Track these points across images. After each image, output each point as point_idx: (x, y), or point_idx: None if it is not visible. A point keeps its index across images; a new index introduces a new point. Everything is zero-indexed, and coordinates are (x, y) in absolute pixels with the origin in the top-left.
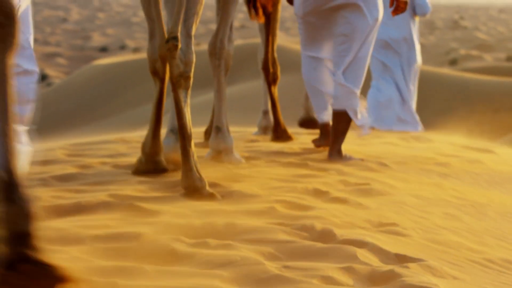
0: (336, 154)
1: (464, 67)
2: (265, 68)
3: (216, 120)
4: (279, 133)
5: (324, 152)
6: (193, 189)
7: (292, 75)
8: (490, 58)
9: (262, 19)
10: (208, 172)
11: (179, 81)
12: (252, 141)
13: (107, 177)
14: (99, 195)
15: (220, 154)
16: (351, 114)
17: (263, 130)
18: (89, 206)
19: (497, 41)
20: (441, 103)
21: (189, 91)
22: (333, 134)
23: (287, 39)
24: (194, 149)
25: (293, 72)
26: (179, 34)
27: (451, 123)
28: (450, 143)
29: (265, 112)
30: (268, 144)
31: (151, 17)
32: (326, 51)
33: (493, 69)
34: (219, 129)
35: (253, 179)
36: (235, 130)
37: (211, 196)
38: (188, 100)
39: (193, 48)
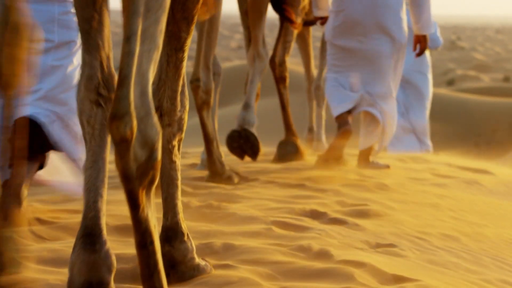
0: (363, 161)
1: (461, 88)
2: (272, 63)
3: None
4: (288, 138)
5: (321, 173)
6: (216, 173)
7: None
8: (487, 79)
9: (299, 27)
10: (205, 193)
11: (202, 107)
12: (249, 161)
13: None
14: None
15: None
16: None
17: (308, 143)
18: None
19: (494, 62)
20: (438, 123)
21: (210, 109)
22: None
23: None
24: (216, 148)
25: (290, 92)
26: (200, 75)
27: (448, 143)
28: (447, 163)
29: (310, 129)
30: (265, 165)
31: None
32: (352, 75)
33: (490, 90)
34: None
35: (251, 200)
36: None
37: (229, 179)
38: (210, 114)
39: (211, 77)
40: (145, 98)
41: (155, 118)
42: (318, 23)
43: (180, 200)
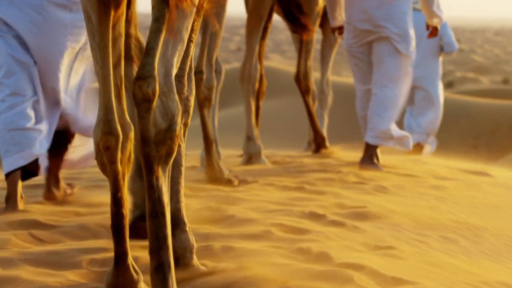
0: (367, 160)
1: (460, 90)
2: (297, 79)
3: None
4: (319, 142)
5: (320, 175)
6: (214, 178)
7: (286, 98)
8: (486, 81)
9: (312, 34)
10: (205, 195)
11: (204, 103)
12: (249, 163)
13: (104, 201)
14: (96, 218)
15: (251, 158)
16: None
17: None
18: (86, 229)
19: (493, 64)
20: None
21: (211, 107)
22: (366, 144)
23: (283, 61)
24: (215, 150)
25: (288, 95)
26: (204, 68)
27: (447, 145)
28: (446, 166)
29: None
30: (264, 167)
31: None
32: (368, 84)
33: (490, 92)
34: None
35: (250, 203)
36: (231, 154)
37: (228, 182)
38: (211, 113)
39: (214, 74)
40: (169, 78)
41: (177, 97)
42: (336, 33)
43: (183, 188)
